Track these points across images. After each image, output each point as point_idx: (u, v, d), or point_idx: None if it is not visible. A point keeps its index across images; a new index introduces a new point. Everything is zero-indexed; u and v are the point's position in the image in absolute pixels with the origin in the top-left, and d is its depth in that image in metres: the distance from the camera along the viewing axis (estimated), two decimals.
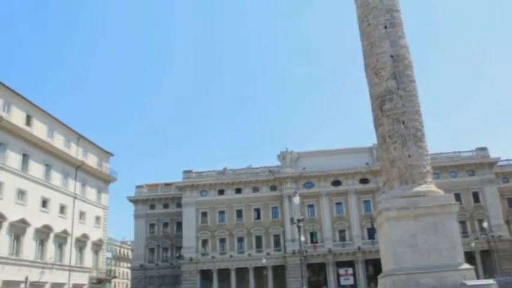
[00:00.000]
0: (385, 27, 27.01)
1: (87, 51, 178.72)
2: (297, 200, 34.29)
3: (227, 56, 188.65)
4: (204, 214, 77.48)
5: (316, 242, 72.84)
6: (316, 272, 73.85)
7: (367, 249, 70.14)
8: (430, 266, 22.24)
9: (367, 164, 75.60)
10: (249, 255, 73.83)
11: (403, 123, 25.48)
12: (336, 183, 76.32)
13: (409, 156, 24.99)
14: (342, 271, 71.24)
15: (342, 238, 73.92)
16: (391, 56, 26.52)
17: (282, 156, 77.70)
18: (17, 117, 44.20)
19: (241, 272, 73.49)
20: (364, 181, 76.08)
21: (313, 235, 73.62)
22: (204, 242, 76.21)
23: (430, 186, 24.80)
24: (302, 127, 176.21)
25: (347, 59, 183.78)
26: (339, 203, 75.69)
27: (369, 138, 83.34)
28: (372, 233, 66.60)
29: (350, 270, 71.07)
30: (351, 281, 70.35)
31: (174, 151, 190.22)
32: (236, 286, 72.39)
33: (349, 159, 75.66)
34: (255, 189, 77.72)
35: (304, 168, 76.45)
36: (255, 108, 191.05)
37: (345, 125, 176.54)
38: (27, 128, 45.36)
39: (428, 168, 25.35)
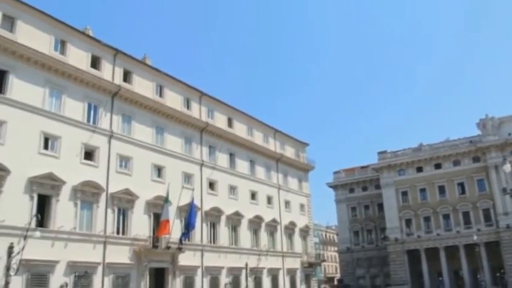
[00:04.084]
0: None
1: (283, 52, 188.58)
2: (507, 168, 30.43)
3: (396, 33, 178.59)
4: (405, 193, 74.88)
5: None
6: None
7: None
8: None
9: None
10: (458, 232, 68.84)
11: None
12: None
13: None
14: None
15: None
16: None
17: (482, 124, 70.33)
18: (220, 121, 49.08)
19: (451, 250, 69.06)
20: None
21: None
22: (408, 222, 73.67)
23: None
24: (501, 90, 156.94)
25: None
26: None
27: None
28: None
29: None
30: None
31: (364, 133, 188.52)
32: (447, 265, 68.32)
33: None
34: (456, 163, 72.06)
35: (509, 134, 67.91)
36: (445, 76, 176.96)
37: None
38: (230, 130, 50.01)
39: None
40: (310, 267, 59.22)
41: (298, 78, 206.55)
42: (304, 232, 60.03)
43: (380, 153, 78.58)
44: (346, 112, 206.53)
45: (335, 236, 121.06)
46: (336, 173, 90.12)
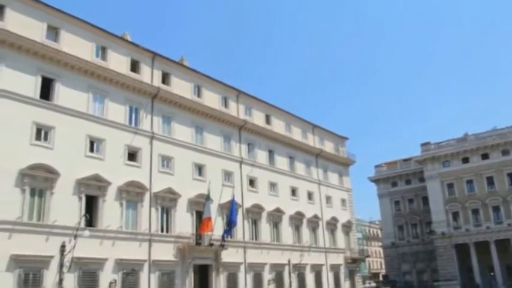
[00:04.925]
0: None
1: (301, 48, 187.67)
2: None
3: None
4: (450, 185, 72.83)
5: None
6: None
7: None
8: None
9: None
10: (509, 225, 66.30)
11: None
12: None
13: None
14: None
15: None
16: None
17: None
18: (258, 118, 49.51)
19: (502, 244, 66.57)
20: None
21: None
22: (455, 215, 71.61)
23: None
24: None
25: None
26: None
27: None
28: None
29: None
30: None
31: (405, 126, 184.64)
32: (498, 259, 66.01)
33: None
34: (505, 152, 69.41)
35: None
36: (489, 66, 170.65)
37: None
38: (268, 127, 50.35)
39: None
40: (354, 263, 58.76)
41: (333, 71, 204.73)
42: (347, 227, 59.63)
43: (423, 144, 76.87)
44: (386, 104, 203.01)
45: (379, 231, 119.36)
46: (377, 166, 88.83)
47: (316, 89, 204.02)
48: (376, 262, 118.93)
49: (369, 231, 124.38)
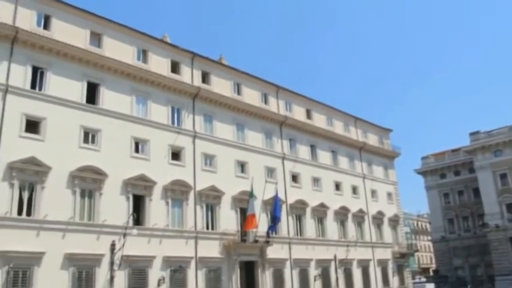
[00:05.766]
0: None
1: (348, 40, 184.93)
2: None
3: None
4: (503, 176, 69.89)
5: None
6: None
7: None
8: None
9: None
10: None
11: None
12: None
13: None
14: None
15: None
16: None
17: None
18: (298, 113, 49.31)
19: None
20: None
21: None
22: (509, 207, 68.65)
23: None
24: None
25: None
26: None
27: None
28: None
29: None
30: None
31: (451, 115, 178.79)
32: None
33: None
34: None
35: None
36: None
37: None
38: (309, 122, 50.07)
39: None
40: (402, 258, 57.49)
41: (373, 61, 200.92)
42: (394, 221, 58.43)
43: (472, 134, 74.22)
44: (430, 93, 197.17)
45: (427, 225, 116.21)
46: (424, 158, 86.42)
47: (357, 82, 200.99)
48: (426, 257, 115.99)
49: (417, 224, 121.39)
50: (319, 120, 51.61)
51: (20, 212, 27.17)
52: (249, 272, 39.31)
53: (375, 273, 52.03)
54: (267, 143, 44.84)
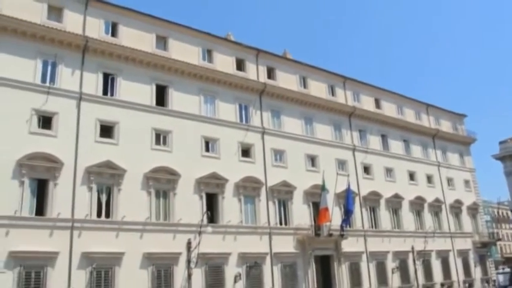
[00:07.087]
0: None
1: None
2: None
3: None
4: None
5: None
6: None
7: None
8: None
9: None
10: None
11: None
12: None
13: None
14: None
15: None
16: None
17: None
18: (367, 103, 47.94)
19: None
20: None
21: None
22: None
23: None
24: None
25: None
26: None
27: None
28: None
29: None
30: None
31: None
32: None
33: None
34: None
35: None
36: None
37: None
38: (378, 111, 48.52)
39: None
40: (483, 248, 54.53)
41: (443, 45, 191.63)
42: (473, 210, 55.51)
43: None
44: (505, 74, 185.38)
45: (509, 212, 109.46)
46: (502, 142, 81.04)
47: (427, 67, 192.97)
48: (509, 246, 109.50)
49: (498, 212, 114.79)
50: (389, 109, 49.95)
51: (99, 214, 28.28)
52: (324, 267, 38.75)
53: (455, 264, 49.72)
54: (337, 135, 43.93)
